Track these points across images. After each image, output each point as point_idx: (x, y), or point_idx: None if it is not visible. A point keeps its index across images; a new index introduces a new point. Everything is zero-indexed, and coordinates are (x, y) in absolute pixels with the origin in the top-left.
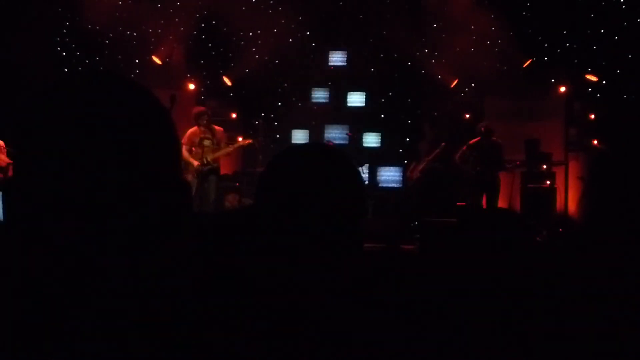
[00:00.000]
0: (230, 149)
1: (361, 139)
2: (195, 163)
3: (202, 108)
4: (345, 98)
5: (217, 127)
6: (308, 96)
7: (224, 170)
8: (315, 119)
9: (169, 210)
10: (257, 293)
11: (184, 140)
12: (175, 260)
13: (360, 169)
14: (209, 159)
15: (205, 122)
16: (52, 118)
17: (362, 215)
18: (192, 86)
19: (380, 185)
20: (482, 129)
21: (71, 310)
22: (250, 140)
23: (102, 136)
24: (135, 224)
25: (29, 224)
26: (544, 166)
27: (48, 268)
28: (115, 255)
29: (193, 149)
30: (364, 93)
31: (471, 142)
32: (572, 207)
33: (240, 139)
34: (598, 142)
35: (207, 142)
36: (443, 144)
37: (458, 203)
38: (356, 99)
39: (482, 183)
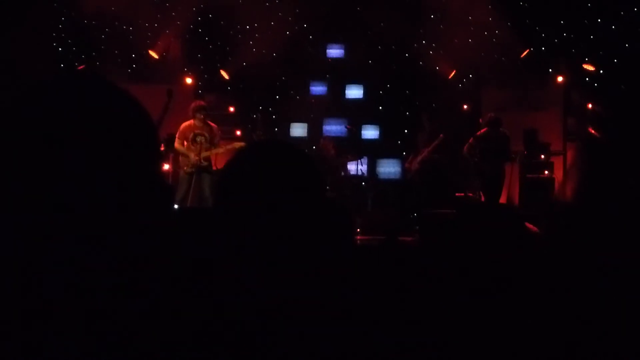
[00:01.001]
0: (222, 150)
1: (360, 131)
2: (191, 155)
3: (201, 102)
4: (344, 91)
5: (212, 124)
6: (306, 89)
7: (222, 164)
8: (314, 112)
9: (148, 210)
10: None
11: (178, 133)
12: (156, 259)
13: (359, 161)
14: (200, 157)
15: (202, 117)
16: (28, 120)
17: (322, 213)
18: (189, 80)
19: (379, 177)
20: (490, 119)
21: (53, 310)
22: (243, 144)
23: (78, 138)
24: (114, 225)
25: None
26: (542, 156)
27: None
28: (93, 255)
29: (185, 143)
30: (362, 86)
31: (478, 133)
32: (568, 196)
33: (238, 132)
34: (593, 130)
35: (200, 139)
36: (441, 135)
37: (457, 194)
38: (354, 92)
39: (487, 175)
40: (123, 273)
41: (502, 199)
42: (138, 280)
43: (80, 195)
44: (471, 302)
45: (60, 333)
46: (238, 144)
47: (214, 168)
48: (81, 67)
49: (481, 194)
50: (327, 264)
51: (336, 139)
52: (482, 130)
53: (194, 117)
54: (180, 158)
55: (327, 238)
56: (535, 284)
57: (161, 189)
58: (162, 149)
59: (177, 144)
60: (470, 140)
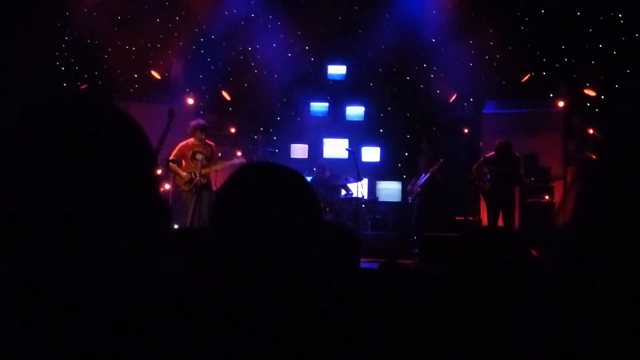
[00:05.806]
0: (219, 166)
1: (360, 153)
2: (183, 174)
3: (202, 121)
4: (344, 112)
5: (210, 143)
6: (307, 110)
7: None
8: (314, 133)
9: (146, 229)
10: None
11: (174, 152)
12: (152, 279)
13: (359, 183)
14: (198, 174)
15: (203, 136)
16: (26, 141)
17: (318, 235)
18: (191, 101)
19: (378, 199)
20: (499, 146)
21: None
22: (243, 160)
23: (75, 159)
24: (112, 245)
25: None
26: (543, 180)
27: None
28: (92, 274)
29: (184, 162)
30: (363, 107)
31: (487, 155)
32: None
33: (239, 153)
34: (594, 155)
35: (199, 156)
36: (441, 160)
37: (457, 218)
38: (355, 113)
39: (496, 199)
40: (119, 294)
41: (500, 223)
42: (134, 301)
43: (76, 216)
44: (473, 326)
45: (53, 350)
46: (238, 160)
47: (214, 188)
48: (84, 86)
49: (482, 218)
50: (329, 285)
51: (336, 161)
52: (491, 154)
53: (193, 135)
54: (177, 178)
55: (329, 259)
56: (538, 308)
57: (159, 210)
58: (161, 171)
59: (171, 164)
60: (480, 160)
